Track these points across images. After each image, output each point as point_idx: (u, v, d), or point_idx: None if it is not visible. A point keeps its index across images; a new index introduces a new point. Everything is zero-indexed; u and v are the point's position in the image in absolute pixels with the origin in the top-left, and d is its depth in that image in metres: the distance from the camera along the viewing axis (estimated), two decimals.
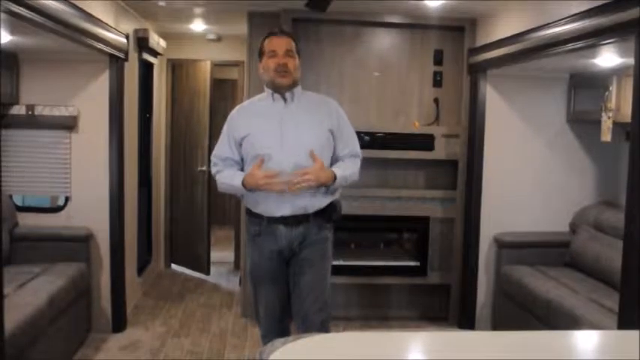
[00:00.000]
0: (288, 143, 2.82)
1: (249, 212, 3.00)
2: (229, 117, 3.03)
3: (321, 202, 2.91)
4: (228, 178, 2.93)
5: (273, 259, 2.93)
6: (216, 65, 6.20)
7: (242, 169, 2.97)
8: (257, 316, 3.09)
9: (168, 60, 6.19)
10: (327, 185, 2.84)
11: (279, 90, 2.89)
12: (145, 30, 4.95)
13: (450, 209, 4.75)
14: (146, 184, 5.69)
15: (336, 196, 3.00)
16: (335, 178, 2.84)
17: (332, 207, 2.96)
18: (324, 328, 2.91)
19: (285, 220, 2.87)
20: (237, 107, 3.09)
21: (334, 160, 2.96)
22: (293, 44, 2.91)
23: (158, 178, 6.17)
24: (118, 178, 4.31)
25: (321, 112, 2.94)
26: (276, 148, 2.82)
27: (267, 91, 2.94)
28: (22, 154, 4.24)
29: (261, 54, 2.94)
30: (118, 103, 4.28)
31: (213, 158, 3.04)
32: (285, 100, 2.90)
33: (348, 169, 2.94)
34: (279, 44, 2.88)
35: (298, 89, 2.94)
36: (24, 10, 2.76)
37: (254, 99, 3.08)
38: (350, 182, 2.98)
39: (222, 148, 2.99)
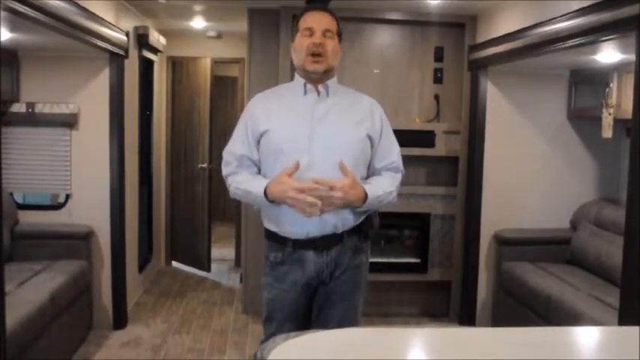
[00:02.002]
0: (318, 147, 2.28)
1: (268, 234, 2.42)
2: (248, 105, 2.47)
3: (356, 218, 2.37)
4: (245, 184, 2.35)
5: (297, 292, 2.39)
6: (217, 62, 6.20)
7: (260, 172, 2.42)
8: (265, 336, 2.47)
9: (169, 57, 6.19)
10: (354, 207, 2.31)
11: (312, 78, 2.37)
12: (145, 27, 4.94)
13: (450, 206, 4.75)
14: (147, 182, 5.69)
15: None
16: (365, 199, 2.29)
17: (368, 222, 2.44)
18: None
19: (314, 244, 2.33)
20: (258, 96, 2.49)
21: (369, 173, 2.44)
22: (335, 23, 2.38)
23: (159, 176, 6.17)
24: (119, 175, 4.31)
25: (360, 112, 2.40)
26: (304, 151, 2.28)
27: (299, 81, 2.40)
28: (22, 151, 4.24)
29: (294, 32, 2.42)
30: (118, 101, 4.28)
31: (225, 155, 2.44)
32: (318, 93, 2.38)
33: (382, 189, 2.36)
34: (318, 21, 2.34)
35: (334, 81, 2.42)
36: (24, 7, 2.76)
37: (281, 87, 2.58)
38: (385, 204, 2.40)
39: (238, 143, 2.41)
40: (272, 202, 2.28)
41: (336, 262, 2.36)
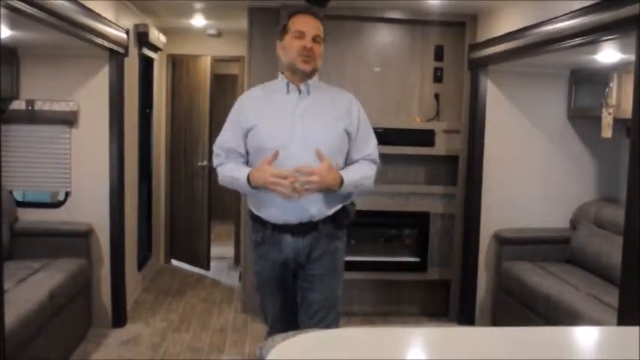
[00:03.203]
0: (298, 140, 2.50)
1: (252, 216, 2.68)
2: (237, 103, 2.70)
3: (331, 207, 2.59)
4: (231, 172, 2.60)
5: (278, 268, 2.64)
6: (217, 60, 6.20)
7: (247, 164, 2.65)
8: (265, 319, 2.82)
9: (169, 55, 6.18)
10: (332, 190, 2.50)
11: (296, 77, 2.58)
12: (145, 25, 4.94)
13: (450, 205, 4.75)
14: (146, 179, 5.68)
15: (350, 199, 2.67)
16: (342, 182, 2.50)
17: (344, 211, 2.64)
18: None
19: (291, 229, 2.56)
20: (247, 92, 2.77)
21: (348, 164, 2.64)
22: (322, 29, 2.59)
23: (158, 174, 6.17)
24: (118, 173, 4.31)
25: (338, 108, 2.61)
26: (285, 145, 2.49)
27: (282, 80, 2.62)
28: (22, 149, 4.24)
29: (283, 32, 2.62)
30: (118, 99, 4.27)
31: (215, 148, 2.70)
32: (299, 91, 2.59)
33: (359, 173, 2.59)
34: (309, 26, 2.55)
35: (314, 80, 2.62)
36: (24, 5, 2.76)
37: (266, 85, 2.75)
38: (362, 190, 2.63)
39: (227, 137, 2.65)
40: (255, 188, 2.51)
41: (311, 246, 2.59)
